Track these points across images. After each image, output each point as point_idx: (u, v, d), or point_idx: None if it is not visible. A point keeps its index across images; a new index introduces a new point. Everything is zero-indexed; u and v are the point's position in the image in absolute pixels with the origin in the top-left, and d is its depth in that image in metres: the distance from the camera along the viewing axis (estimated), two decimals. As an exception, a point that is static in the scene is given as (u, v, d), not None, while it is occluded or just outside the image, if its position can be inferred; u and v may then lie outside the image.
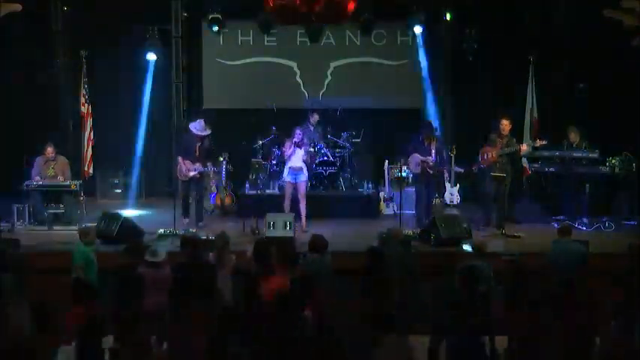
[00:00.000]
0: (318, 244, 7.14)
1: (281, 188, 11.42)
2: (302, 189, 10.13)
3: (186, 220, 10.36)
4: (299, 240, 8.83)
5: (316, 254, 7.09)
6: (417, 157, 10.12)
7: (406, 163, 10.80)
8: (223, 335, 5.15)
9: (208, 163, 10.28)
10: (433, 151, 10.06)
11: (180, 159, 10.30)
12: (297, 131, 10.20)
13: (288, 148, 10.13)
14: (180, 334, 5.60)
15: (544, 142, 10.40)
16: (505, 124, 10.13)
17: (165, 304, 6.34)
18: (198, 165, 10.19)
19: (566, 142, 10.67)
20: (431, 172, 10.08)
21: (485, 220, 10.29)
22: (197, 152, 10.23)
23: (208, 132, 10.32)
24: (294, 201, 10.11)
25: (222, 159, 11.61)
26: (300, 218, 9.99)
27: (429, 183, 10.26)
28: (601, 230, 10.09)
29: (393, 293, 6.55)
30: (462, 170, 10.81)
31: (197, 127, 10.31)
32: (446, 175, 10.69)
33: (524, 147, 10.28)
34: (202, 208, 10.68)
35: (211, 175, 11.11)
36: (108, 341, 5.42)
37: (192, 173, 10.21)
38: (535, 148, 10.46)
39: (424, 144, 10.13)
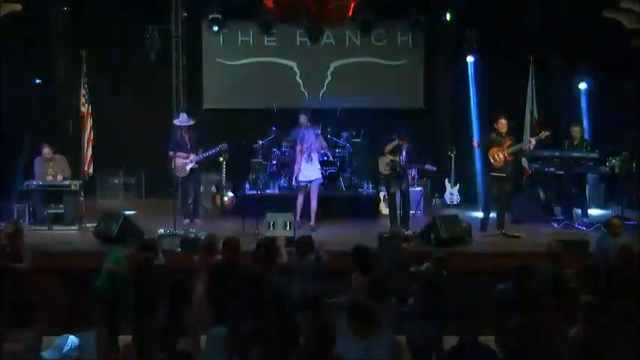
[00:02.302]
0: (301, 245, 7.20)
1: (282, 188, 11.47)
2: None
3: (186, 220, 10.38)
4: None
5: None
6: (385, 158, 10.17)
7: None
8: None
9: (200, 151, 10.52)
10: (404, 152, 10.04)
11: (171, 153, 10.45)
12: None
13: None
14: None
15: (548, 134, 10.31)
16: (502, 123, 10.04)
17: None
18: (193, 156, 10.40)
19: (567, 141, 10.67)
20: (400, 171, 10.05)
21: (483, 224, 10.23)
22: (189, 144, 10.45)
23: (192, 122, 10.70)
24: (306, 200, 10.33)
25: (221, 159, 11.60)
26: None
27: (400, 183, 10.17)
28: (601, 230, 10.07)
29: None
30: (434, 169, 10.70)
31: (181, 120, 10.73)
32: (412, 173, 10.78)
33: (532, 142, 10.13)
34: (200, 204, 10.83)
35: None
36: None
37: (189, 166, 10.39)
38: (541, 140, 10.40)
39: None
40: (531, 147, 10.20)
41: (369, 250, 7.14)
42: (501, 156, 9.92)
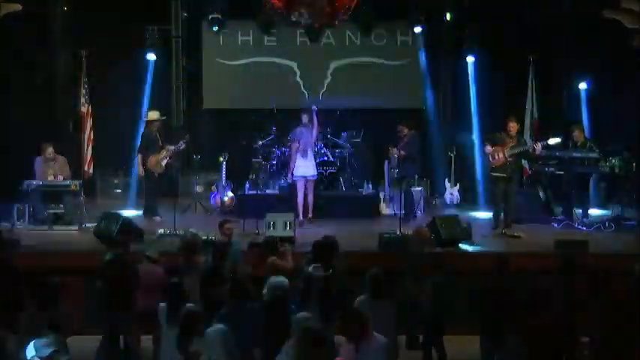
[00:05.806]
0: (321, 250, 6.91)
1: (282, 188, 11.45)
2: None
3: (157, 217, 10.62)
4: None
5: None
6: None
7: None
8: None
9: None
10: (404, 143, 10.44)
11: (140, 155, 10.64)
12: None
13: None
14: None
15: (558, 140, 10.00)
16: (512, 126, 9.73)
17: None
18: (165, 151, 10.64)
19: (570, 142, 10.66)
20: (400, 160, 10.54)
21: (495, 222, 10.12)
22: (159, 141, 10.66)
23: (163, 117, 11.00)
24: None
25: (221, 159, 11.61)
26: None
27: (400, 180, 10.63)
28: (601, 230, 10.07)
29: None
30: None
31: (157, 114, 10.92)
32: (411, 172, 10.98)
33: (538, 146, 9.73)
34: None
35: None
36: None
37: (164, 161, 10.63)
38: (549, 147, 10.20)
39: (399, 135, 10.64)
40: (537, 152, 9.80)
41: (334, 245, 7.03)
42: (501, 155, 9.83)
